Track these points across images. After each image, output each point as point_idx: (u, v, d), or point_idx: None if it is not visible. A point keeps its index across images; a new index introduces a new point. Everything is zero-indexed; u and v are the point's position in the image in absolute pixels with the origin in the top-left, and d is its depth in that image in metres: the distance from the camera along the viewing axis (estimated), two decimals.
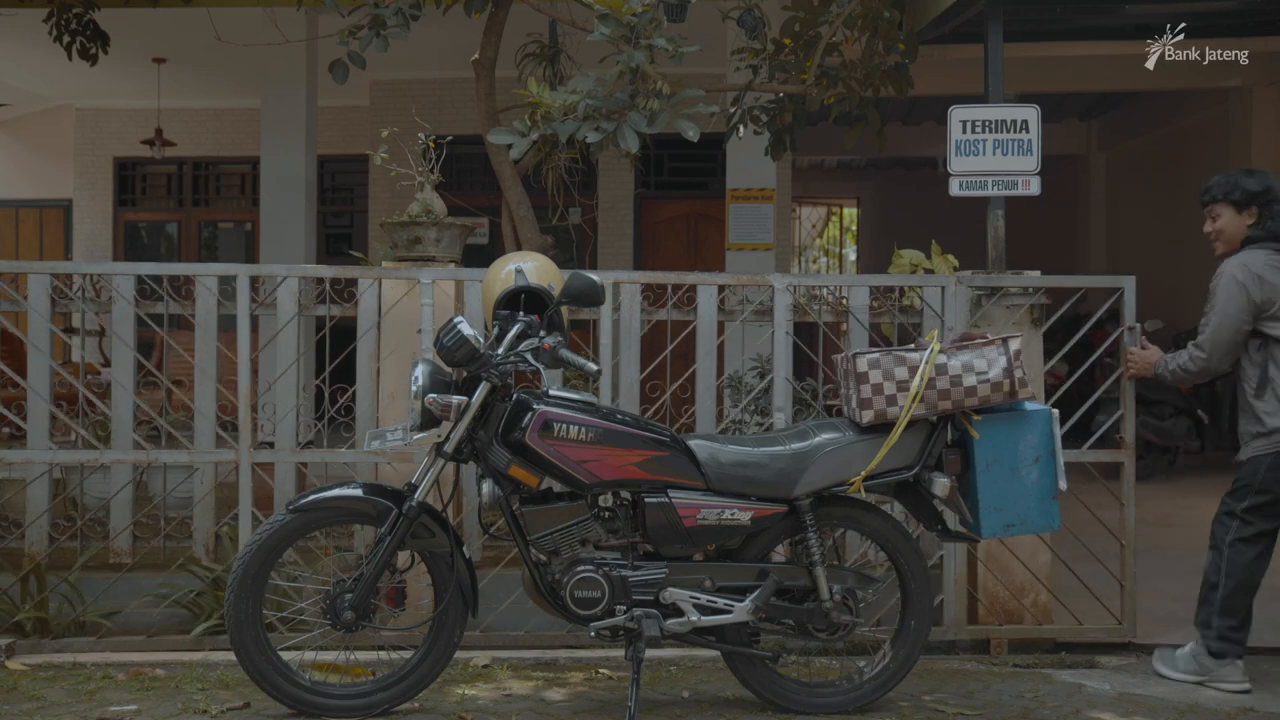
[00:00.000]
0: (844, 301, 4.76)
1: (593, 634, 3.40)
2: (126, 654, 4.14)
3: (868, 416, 3.41)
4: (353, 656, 3.79)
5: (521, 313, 3.43)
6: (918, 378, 3.37)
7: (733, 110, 5.92)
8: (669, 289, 4.57)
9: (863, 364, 3.41)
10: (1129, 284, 4.32)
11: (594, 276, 3.35)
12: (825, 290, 4.68)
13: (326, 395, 4.49)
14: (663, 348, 4.62)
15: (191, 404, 4.39)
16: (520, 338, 3.35)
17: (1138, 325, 4.29)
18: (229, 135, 12.19)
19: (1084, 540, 4.33)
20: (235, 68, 10.06)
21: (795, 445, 3.45)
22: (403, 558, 3.56)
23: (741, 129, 6.06)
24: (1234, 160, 9.83)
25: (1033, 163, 4.55)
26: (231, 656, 3.73)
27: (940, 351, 3.40)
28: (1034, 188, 4.57)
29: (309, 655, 3.67)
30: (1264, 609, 4.28)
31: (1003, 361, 3.41)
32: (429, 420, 3.35)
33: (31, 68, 10.67)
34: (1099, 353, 4.75)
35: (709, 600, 3.42)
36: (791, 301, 4.46)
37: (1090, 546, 4.32)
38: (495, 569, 4.27)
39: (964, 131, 4.56)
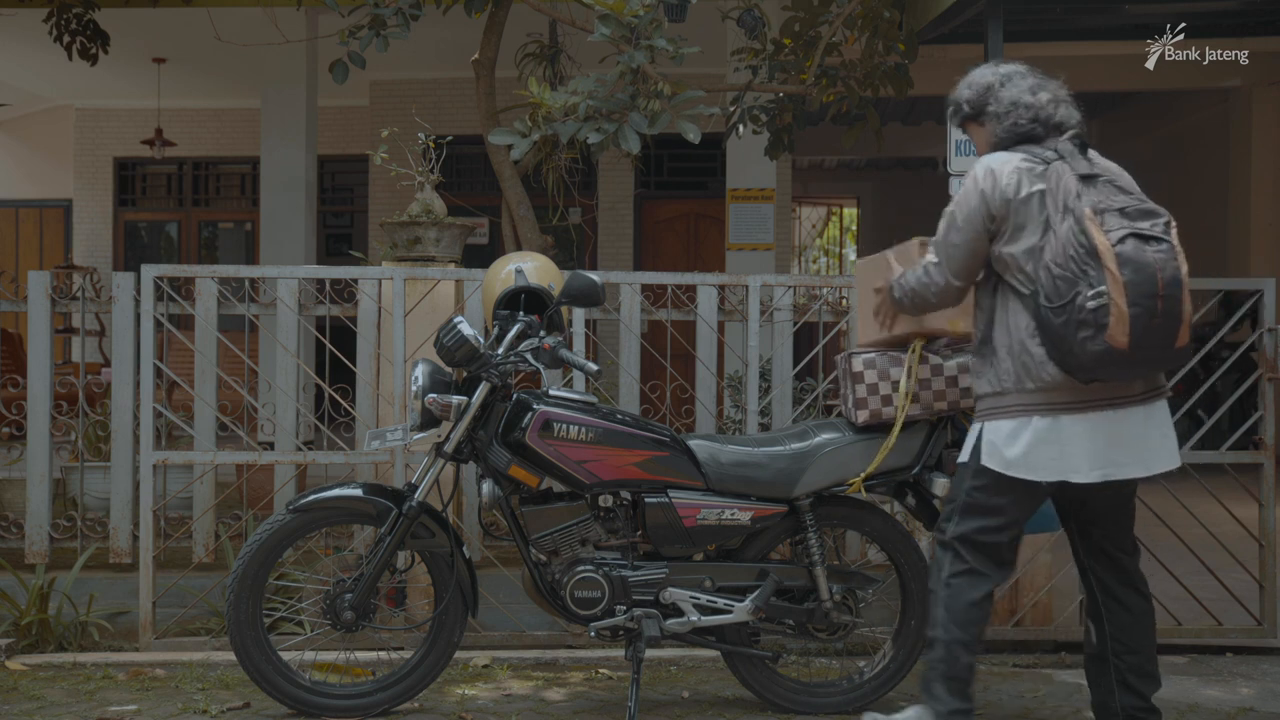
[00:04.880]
0: (844, 301, 4.76)
1: (593, 634, 3.40)
2: (126, 654, 4.14)
3: (862, 416, 3.41)
4: (353, 656, 3.79)
5: (521, 313, 3.43)
6: (904, 379, 3.37)
7: (732, 110, 5.93)
8: (669, 289, 4.57)
9: (858, 364, 3.41)
10: (1269, 286, 4.28)
11: (594, 276, 3.36)
12: (826, 290, 4.68)
13: (327, 396, 4.49)
14: (663, 347, 4.62)
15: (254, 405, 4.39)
16: (520, 338, 3.35)
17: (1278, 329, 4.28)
18: (229, 135, 12.19)
19: (1216, 541, 4.36)
20: (235, 68, 10.06)
21: (795, 445, 3.45)
22: (403, 558, 3.56)
23: (741, 129, 6.06)
24: (1234, 160, 9.84)
25: None
26: (231, 656, 3.73)
27: (935, 352, 3.40)
28: None
29: (309, 655, 3.68)
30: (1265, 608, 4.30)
31: None
32: (429, 420, 3.35)
33: (31, 68, 10.67)
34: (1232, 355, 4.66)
35: (709, 600, 3.42)
36: (790, 301, 4.46)
37: (1219, 548, 4.36)
38: (495, 569, 4.27)
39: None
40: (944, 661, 2.98)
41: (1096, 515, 3.12)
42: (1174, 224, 2.85)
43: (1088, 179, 2.85)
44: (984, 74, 3.12)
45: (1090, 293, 2.72)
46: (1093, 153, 2.99)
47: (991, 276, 3.03)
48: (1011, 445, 2.92)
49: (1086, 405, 2.87)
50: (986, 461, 2.97)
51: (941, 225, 3.06)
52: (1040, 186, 2.89)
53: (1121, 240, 2.73)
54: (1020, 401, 2.91)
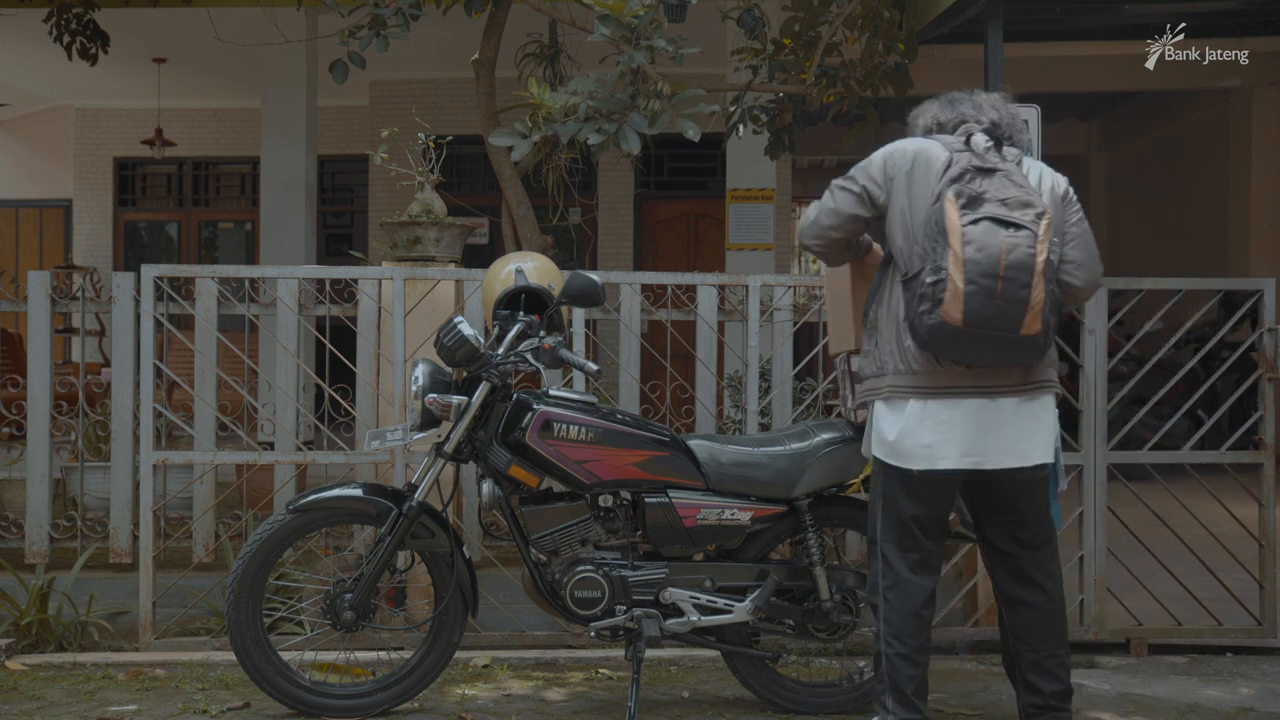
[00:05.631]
0: None
1: (593, 634, 3.41)
2: (126, 654, 4.14)
3: (862, 415, 3.40)
4: (353, 656, 3.79)
5: (522, 313, 3.43)
6: None
7: (732, 110, 5.93)
8: (669, 289, 4.57)
9: (856, 363, 3.41)
10: (1269, 286, 4.28)
11: (594, 276, 3.36)
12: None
13: (327, 396, 4.49)
14: (663, 347, 4.62)
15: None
16: (520, 338, 3.35)
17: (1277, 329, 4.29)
18: (229, 135, 12.19)
19: (1216, 541, 4.36)
20: (235, 68, 10.06)
21: (795, 445, 3.45)
22: (403, 558, 3.56)
23: (741, 129, 6.06)
24: (1234, 160, 9.84)
25: None
26: (231, 656, 3.74)
27: None
28: None
29: (309, 655, 3.68)
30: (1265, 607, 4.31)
31: None
32: (429, 420, 3.36)
33: (31, 68, 10.67)
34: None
35: (709, 600, 3.42)
36: (791, 301, 4.46)
37: (1219, 548, 4.36)
38: (495, 569, 4.27)
39: None
40: (890, 675, 3.00)
41: (999, 507, 3.11)
42: (1048, 216, 2.82)
43: (985, 171, 2.87)
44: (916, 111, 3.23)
45: (930, 267, 2.80)
46: (1009, 149, 2.98)
47: (886, 255, 3.09)
48: (890, 430, 2.97)
49: (953, 391, 2.90)
50: (876, 450, 3.03)
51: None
52: (934, 170, 2.93)
53: (975, 221, 2.77)
54: (895, 383, 2.96)
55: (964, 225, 2.77)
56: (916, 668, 2.98)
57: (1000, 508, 3.11)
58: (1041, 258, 2.77)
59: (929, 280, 2.79)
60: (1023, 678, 3.14)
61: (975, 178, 2.85)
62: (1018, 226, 2.77)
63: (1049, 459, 3.00)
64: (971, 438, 2.90)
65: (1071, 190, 3.07)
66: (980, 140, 2.95)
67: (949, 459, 2.90)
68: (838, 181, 3.12)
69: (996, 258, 2.73)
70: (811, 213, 3.18)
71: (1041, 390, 2.97)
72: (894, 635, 3.00)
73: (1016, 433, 2.93)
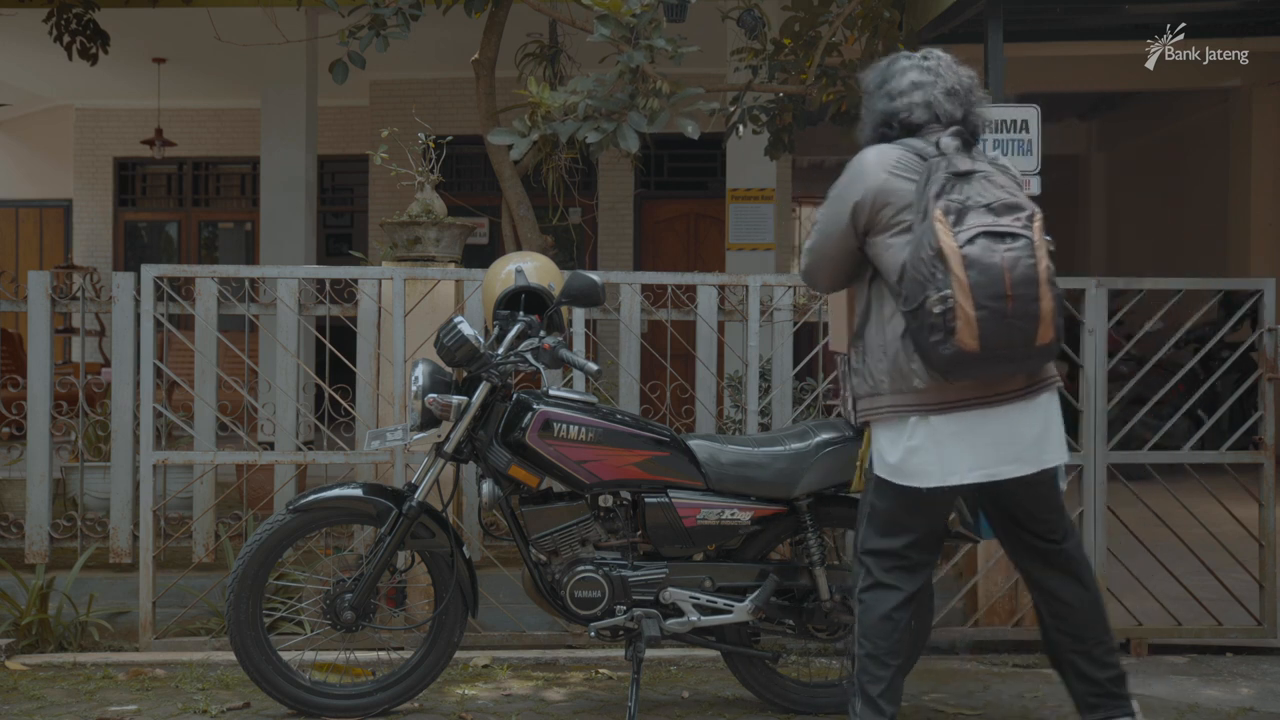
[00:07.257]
0: None
1: (593, 634, 3.41)
2: (126, 654, 4.14)
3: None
4: (353, 656, 3.80)
5: (522, 313, 3.43)
6: None
7: (732, 110, 5.93)
8: (669, 289, 4.57)
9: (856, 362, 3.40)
10: (1269, 286, 4.27)
11: (594, 276, 3.36)
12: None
13: (327, 396, 4.49)
14: (663, 347, 4.62)
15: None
16: (520, 338, 3.35)
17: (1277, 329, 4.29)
18: (229, 135, 12.20)
19: (1216, 541, 4.36)
20: (235, 68, 10.07)
21: (795, 445, 3.45)
22: (403, 558, 3.57)
23: (741, 129, 6.07)
24: (1234, 160, 9.84)
25: (1033, 163, 4.54)
26: (231, 656, 3.73)
27: None
28: (1034, 187, 4.56)
29: (309, 655, 3.68)
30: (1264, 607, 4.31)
31: None
32: (429, 420, 3.36)
33: (31, 68, 10.67)
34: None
35: (709, 600, 3.42)
36: (791, 301, 4.47)
37: (1219, 548, 4.36)
38: (495, 569, 4.27)
39: None
40: (859, 675, 2.96)
41: (1014, 510, 3.03)
42: (1038, 217, 2.74)
43: (962, 175, 2.76)
44: (872, 74, 3.03)
45: (935, 296, 2.68)
46: (979, 146, 2.91)
47: (869, 269, 2.95)
48: (893, 451, 2.87)
49: (957, 405, 2.80)
50: (877, 469, 2.95)
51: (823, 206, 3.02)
52: (910, 184, 2.81)
53: (971, 240, 2.67)
54: (894, 403, 2.86)
55: (960, 247, 2.65)
56: (884, 669, 2.92)
57: (1015, 512, 3.03)
58: (1043, 265, 2.69)
59: (937, 310, 2.66)
60: (1073, 668, 3.06)
61: (955, 185, 2.73)
62: (1014, 236, 2.67)
63: (1062, 459, 2.91)
64: (981, 450, 2.82)
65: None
66: (949, 143, 2.82)
67: (958, 473, 2.81)
68: (820, 225, 2.98)
69: (1000, 277, 2.63)
70: (808, 255, 3.05)
71: (1044, 389, 2.89)
72: (864, 635, 2.96)
73: (1026, 438, 2.84)
